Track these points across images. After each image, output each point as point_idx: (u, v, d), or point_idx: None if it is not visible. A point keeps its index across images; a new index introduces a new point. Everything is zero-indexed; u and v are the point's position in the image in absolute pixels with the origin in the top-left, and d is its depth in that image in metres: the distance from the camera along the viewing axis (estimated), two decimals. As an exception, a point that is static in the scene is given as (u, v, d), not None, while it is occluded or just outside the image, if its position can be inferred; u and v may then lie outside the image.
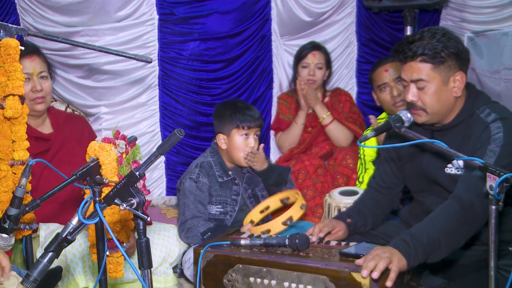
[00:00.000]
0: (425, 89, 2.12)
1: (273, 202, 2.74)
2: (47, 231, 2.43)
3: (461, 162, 2.14)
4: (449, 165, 2.20)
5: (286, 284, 1.93)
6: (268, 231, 2.42)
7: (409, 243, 1.88)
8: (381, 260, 1.80)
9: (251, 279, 1.99)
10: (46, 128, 2.69)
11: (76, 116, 2.86)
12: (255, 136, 2.86)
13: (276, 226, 2.44)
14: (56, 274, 2.25)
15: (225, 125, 2.85)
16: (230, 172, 2.85)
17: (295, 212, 2.48)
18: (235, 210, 2.83)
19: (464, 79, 2.14)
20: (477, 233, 2.08)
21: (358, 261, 1.87)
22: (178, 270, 2.80)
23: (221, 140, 2.87)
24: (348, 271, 1.83)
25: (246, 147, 2.82)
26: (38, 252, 2.35)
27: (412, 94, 2.14)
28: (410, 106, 2.17)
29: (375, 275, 1.79)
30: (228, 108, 2.87)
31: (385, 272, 1.83)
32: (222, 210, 2.80)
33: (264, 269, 1.97)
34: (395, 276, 1.81)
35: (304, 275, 1.89)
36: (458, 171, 2.17)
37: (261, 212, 2.72)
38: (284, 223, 2.45)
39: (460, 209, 1.96)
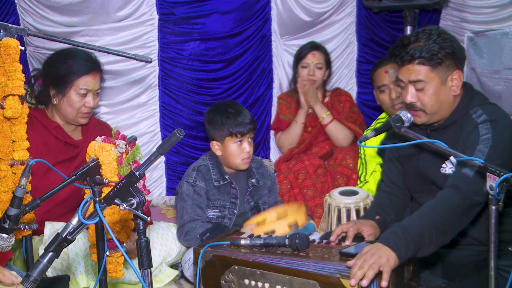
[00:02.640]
0: (424, 90, 2.12)
1: (270, 216, 2.68)
2: (52, 230, 2.44)
3: (454, 161, 2.15)
4: (443, 165, 2.21)
5: (278, 287, 1.93)
6: (273, 231, 2.41)
7: (399, 235, 1.87)
8: (369, 267, 1.78)
9: (246, 281, 1.99)
10: (76, 134, 2.75)
11: (103, 123, 2.91)
12: (249, 139, 2.81)
13: (281, 227, 2.43)
14: (64, 282, 2.26)
15: (217, 133, 2.80)
16: (226, 176, 2.82)
17: (300, 218, 2.47)
18: (235, 214, 2.81)
19: (462, 77, 2.15)
20: (474, 232, 2.08)
21: (349, 263, 1.86)
22: (180, 274, 2.79)
23: (215, 147, 2.83)
24: (338, 277, 1.80)
25: (242, 152, 2.78)
26: (41, 250, 2.36)
27: (411, 95, 2.15)
28: (409, 107, 2.17)
29: (365, 283, 1.76)
30: (219, 115, 2.80)
31: (379, 272, 1.82)
32: (220, 214, 2.78)
33: (258, 272, 1.96)
34: (389, 276, 1.80)
35: (295, 279, 1.88)
36: (452, 170, 2.18)
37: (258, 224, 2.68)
38: (290, 226, 2.44)
39: (454, 201, 1.97)
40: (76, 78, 2.58)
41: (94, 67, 2.63)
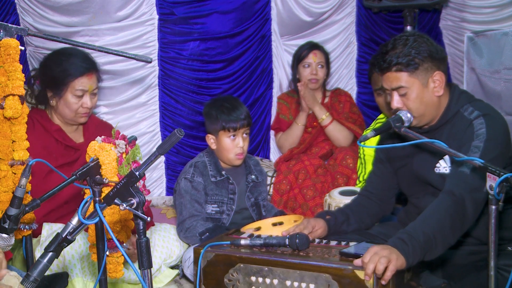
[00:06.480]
0: (407, 95, 2.15)
1: (265, 224, 2.65)
2: (50, 231, 2.43)
3: (448, 160, 2.16)
4: (437, 165, 2.22)
5: (288, 283, 1.93)
6: (259, 228, 2.45)
7: (407, 242, 1.88)
8: (379, 260, 1.80)
9: (253, 278, 1.99)
10: (77, 136, 2.72)
11: (105, 124, 2.88)
12: (244, 135, 2.83)
13: (266, 226, 2.47)
14: (62, 280, 2.25)
15: (212, 127, 2.83)
16: (223, 172, 2.83)
17: (287, 220, 2.50)
18: (233, 210, 2.81)
19: (444, 78, 2.17)
20: (474, 231, 2.09)
21: (356, 261, 1.87)
22: (181, 273, 2.80)
23: (210, 140, 2.85)
24: (352, 268, 1.83)
25: (235, 147, 2.80)
26: (37, 251, 2.35)
27: (396, 102, 2.18)
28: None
29: (377, 275, 1.80)
30: (214, 109, 2.82)
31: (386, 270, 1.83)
32: (218, 209, 2.79)
33: (266, 268, 1.96)
34: (391, 275, 1.81)
35: (306, 273, 1.89)
36: (446, 170, 2.19)
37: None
38: (273, 224, 2.48)
39: (452, 204, 1.98)
40: (71, 80, 2.54)
41: (89, 68, 2.59)
